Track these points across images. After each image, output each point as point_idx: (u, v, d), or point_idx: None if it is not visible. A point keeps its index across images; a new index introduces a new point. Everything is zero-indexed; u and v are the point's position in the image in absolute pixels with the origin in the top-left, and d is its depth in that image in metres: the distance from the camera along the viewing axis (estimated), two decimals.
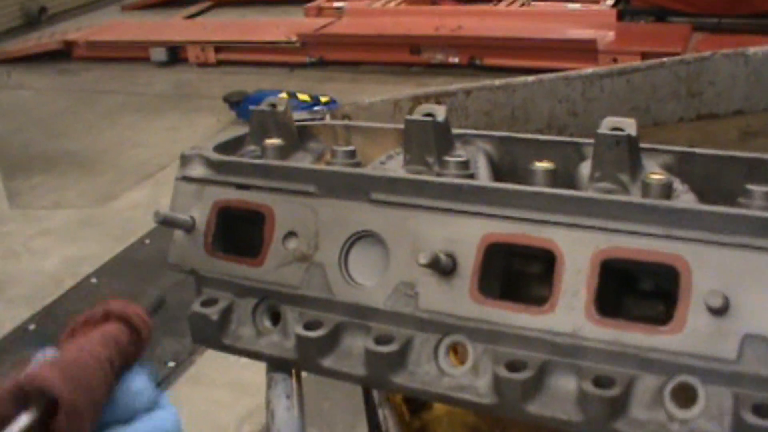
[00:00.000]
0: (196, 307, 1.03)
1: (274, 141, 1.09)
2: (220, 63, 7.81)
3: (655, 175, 0.92)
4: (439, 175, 1.00)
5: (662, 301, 0.90)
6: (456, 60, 7.19)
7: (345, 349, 0.96)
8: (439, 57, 7.28)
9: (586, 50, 6.56)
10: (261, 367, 1.04)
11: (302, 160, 1.16)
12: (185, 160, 1.10)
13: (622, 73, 1.97)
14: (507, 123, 1.89)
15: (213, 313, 1.02)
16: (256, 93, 6.65)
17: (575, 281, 0.85)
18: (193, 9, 9.70)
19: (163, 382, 3.47)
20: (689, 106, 2.02)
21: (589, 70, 1.93)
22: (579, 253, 0.86)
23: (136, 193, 5.51)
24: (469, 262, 0.91)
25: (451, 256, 0.90)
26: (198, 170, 1.08)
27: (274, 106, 1.16)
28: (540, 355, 0.86)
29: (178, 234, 1.08)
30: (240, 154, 1.15)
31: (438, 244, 0.92)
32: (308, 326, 0.96)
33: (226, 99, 6.62)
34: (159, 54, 7.78)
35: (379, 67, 7.56)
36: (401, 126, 1.20)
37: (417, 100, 1.87)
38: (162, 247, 1.49)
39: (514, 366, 0.86)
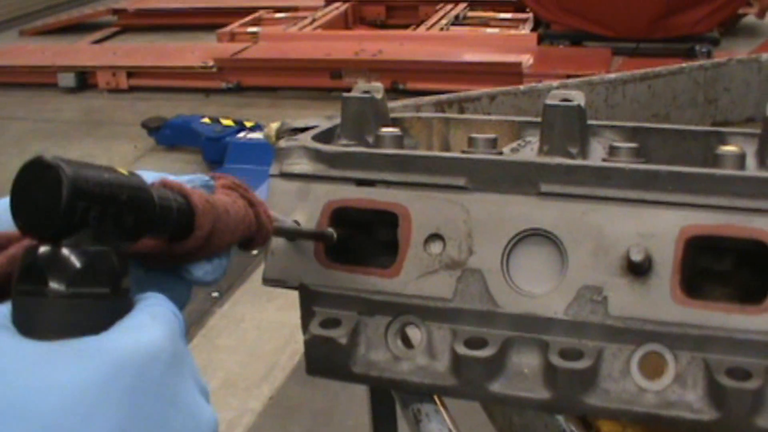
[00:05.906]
0: (316, 329, 0.85)
1: (391, 129, 0.94)
2: (132, 89, 7.45)
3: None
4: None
5: None
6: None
7: (515, 369, 0.80)
8: (360, 81, 7.19)
9: (511, 73, 6.61)
10: None
11: None
12: (282, 153, 0.92)
13: (644, 79, 1.92)
14: None
15: (341, 335, 0.84)
16: (176, 118, 6.40)
17: None
18: (99, 34, 9.23)
19: None
20: (706, 113, 1.99)
21: (612, 75, 1.88)
22: None
23: None
24: (667, 258, 0.78)
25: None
26: (302, 165, 0.91)
27: (368, 93, 1.01)
28: (761, 360, 0.74)
29: (278, 243, 0.90)
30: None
31: (629, 240, 0.79)
32: (470, 344, 0.80)
33: (145, 125, 6.29)
34: (67, 79, 7.32)
35: (299, 92, 7.38)
36: (513, 118, 1.07)
37: (439, 105, 1.76)
38: None
39: (735, 374, 0.74)
